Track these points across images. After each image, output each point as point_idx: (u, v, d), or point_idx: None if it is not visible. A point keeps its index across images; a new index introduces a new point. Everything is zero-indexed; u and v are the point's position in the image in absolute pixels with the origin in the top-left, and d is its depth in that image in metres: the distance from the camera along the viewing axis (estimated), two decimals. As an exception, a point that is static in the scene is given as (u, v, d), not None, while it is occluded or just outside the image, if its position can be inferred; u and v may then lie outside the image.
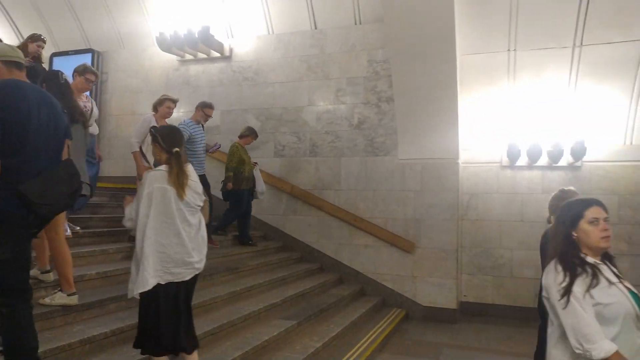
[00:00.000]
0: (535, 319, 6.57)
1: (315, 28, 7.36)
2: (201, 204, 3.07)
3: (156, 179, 2.89)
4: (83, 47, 8.69)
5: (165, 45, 7.68)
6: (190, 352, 2.95)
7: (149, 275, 2.75)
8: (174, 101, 5.22)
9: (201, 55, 7.92)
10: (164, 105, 5.12)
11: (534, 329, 6.09)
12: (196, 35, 7.40)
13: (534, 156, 6.49)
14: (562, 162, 6.46)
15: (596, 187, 6.35)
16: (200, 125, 5.80)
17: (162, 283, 2.80)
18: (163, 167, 2.96)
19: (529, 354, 5.20)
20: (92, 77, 4.48)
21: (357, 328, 5.39)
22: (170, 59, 8.12)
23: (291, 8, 7.36)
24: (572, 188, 3.58)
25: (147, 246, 2.78)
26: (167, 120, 5.33)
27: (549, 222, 3.54)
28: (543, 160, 6.54)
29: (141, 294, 2.80)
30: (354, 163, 7.01)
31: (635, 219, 6.22)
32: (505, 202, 6.72)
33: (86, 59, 8.51)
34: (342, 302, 5.99)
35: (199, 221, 3.04)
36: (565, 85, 6.39)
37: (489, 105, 6.74)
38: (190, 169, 3.06)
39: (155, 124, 4.84)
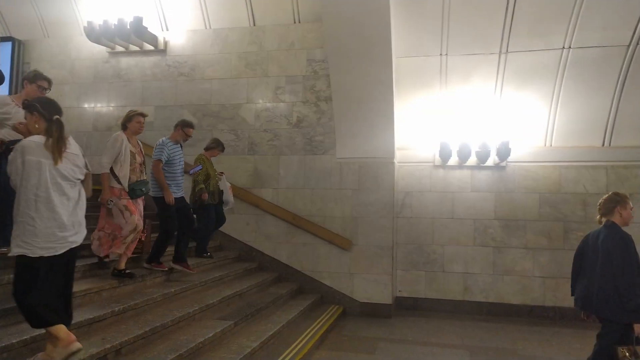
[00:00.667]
0: (463, 311, 6.96)
1: (254, 25, 7.28)
2: (82, 177, 3.04)
3: (30, 151, 2.79)
4: (2, 34, 8.07)
5: (94, 35, 7.28)
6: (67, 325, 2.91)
7: (15, 244, 2.75)
8: (144, 115, 4.81)
9: (133, 48, 7.59)
10: (133, 121, 4.72)
11: (460, 320, 6.45)
12: (128, 27, 7.09)
13: (464, 156, 6.82)
14: (489, 162, 6.83)
15: (519, 186, 6.78)
16: (179, 145, 5.45)
17: (33, 256, 2.76)
18: (37, 138, 2.86)
19: (457, 344, 5.48)
20: (45, 84, 4.15)
21: (295, 326, 5.41)
22: (100, 50, 7.71)
23: (229, 2, 7.23)
24: (624, 192, 3.68)
25: (17, 216, 2.77)
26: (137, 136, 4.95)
27: (599, 222, 3.63)
28: (472, 160, 6.88)
29: (16, 265, 2.80)
30: (293, 161, 7.02)
31: (554, 216, 6.69)
32: (437, 200, 7.01)
33: (6, 48, 7.92)
34: (280, 300, 5.99)
35: (78, 194, 3.01)
36: (492, 89, 6.76)
37: (422, 106, 6.99)
38: (71, 141, 3.01)
39: (128, 143, 4.58)
